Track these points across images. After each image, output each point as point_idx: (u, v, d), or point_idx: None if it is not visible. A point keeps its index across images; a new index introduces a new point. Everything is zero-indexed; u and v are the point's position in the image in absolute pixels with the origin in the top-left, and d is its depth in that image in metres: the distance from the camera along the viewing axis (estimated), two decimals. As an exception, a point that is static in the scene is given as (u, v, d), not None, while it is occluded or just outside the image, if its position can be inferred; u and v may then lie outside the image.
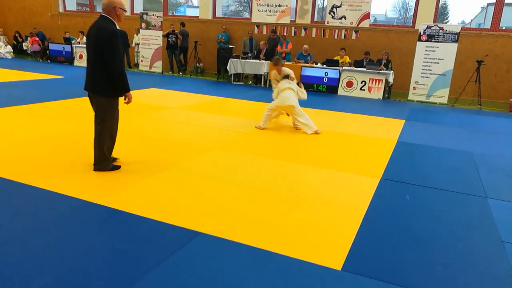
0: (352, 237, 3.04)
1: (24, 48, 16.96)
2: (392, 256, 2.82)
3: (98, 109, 3.93)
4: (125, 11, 3.91)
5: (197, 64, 13.91)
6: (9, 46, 16.47)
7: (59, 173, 3.93)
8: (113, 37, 3.69)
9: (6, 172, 3.84)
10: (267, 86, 12.10)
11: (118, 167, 4.13)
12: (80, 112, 6.78)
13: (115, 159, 4.26)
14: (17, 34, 17.63)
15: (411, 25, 12.44)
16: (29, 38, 16.37)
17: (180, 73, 13.72)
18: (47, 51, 15.35)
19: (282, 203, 3.60)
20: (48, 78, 10.87)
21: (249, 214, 3.32)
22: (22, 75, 11.00)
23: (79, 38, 15.03)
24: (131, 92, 3.99)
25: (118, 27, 3.83)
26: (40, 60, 15.49)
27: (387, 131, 6.87)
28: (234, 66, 12.17)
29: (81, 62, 14.69)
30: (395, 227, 3.27)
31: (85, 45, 14.49)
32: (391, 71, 10.92)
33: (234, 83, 12.42)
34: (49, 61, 15.21)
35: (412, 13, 13.39)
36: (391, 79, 10.83)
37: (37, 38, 15.87)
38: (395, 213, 3.56)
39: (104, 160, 4.02)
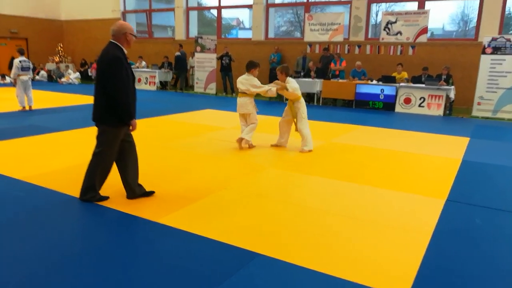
0: (417, 263, 2.82)
1: (89, 74, 18.22)
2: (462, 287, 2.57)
3: (99, 138, 3.71)
4: (135, 36, 3.77)
5: (250, 85, 14.10)
6: (77, 73, 17.77)
7: (116, 192, 4.07)
8: (116, 63, 3.48)
9: (71, 189, 4.04)
10: (320, 104, 11.97)
11: (105, 198, 3.78)
12: (146, 132, 7.06)
13: (149, 193, 3.95)
14: (83, 61, 19.03)
15: (473, 37, 11.84)
16: (92, 64, 17.60)
17: (233, 94, 13.99)
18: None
19: (343, 225, 3.45)
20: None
21: (308, 236, 3.21)
22: (88, 99, 11.76)
23: (137, 63, 15.87)
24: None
25: (126, 53, 3.66)
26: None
27: (451, 149, 6.46)
28: (287, 85, 12.17)
29: (139, 85, 15.48)
30: (465, 253, 3.00)
31: (143, 69, 15.39)
32: (452, 86, 10.38)
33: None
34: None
35: (474, 25, 12.75)
36: (452, 95, 10.28)
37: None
38: (464, 238, 3.27)
39: (90, 191, 3.73)
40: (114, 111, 3.55)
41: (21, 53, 9.38)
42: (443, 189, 4.45)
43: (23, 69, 9.22)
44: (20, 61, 9.17)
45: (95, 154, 3.73)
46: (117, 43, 3.63)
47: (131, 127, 3.74)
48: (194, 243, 3.03)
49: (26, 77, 9.26)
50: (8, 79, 16.62)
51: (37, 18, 18.87)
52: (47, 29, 19.36)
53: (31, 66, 9.60)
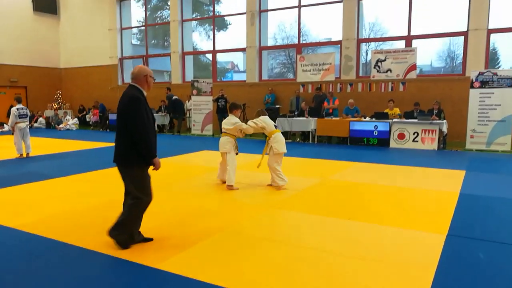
0: (423, 301, 2.77)
1: (87, 119, 18.43)
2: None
3: (128, 183, 3.66)
4: (154, 79, 3.83)
5: (246, 125, 14.29)
6: (75, 119, 17.97)
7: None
8: (136, 102, 3.52)
9: (72, 238, 4.00)
10: (315, 142, 12.08)
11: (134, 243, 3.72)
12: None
13: (147, 239, 3.87)
14: (81, 107, 19.29)
15: (461, 72, 12.18)
16: (91, 110, 17.88)
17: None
18: (107, 121, 16.53)
19: (345, 264, 3.41)
20: (108, 146, 11.59)
21: (307, 277, 3.16)
22: (85, 144, 11.83)
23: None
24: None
25: (145, 95, 3.71)
26: (101, 129, 16.67)
27: (447, 183, 6.49)
28: (282, 124, 12.36)
29: (137, 129, 15.60)
30: (471, 289, 2.96)
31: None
32: (444, 121, 10.57)
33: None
34: (108, 130, 16.33)
35: (460, 61, 13.18)
36: (445, 129, 10.44)
37: (97, 111, 17.29)
38: (468, 273, 3.24)
39: (130, 240, 3.71)
40: (138, 151, 3.55)
41: (19, 101, 9.54)
42: (443, 224, 4.43)
43: (21, 116, 9.34)
44: (17, 109, 9.30)
45: (132, 198, 3.63)
46: (137, 86, 3.69)
47: (154, 167, 3.69)
48: (193, 288, 2.98)
49: (24, 124, 9.37)
50: (6, 127, 16.77)
51: (37, 67, 19.32)
52: (46, 76, 19.77)
53: (29, 113, 9.74)
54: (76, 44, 19.72)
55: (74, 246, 3.78)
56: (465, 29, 11.90)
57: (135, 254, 3.57)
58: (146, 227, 4.11)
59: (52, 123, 18.06)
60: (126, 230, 3.69)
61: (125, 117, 3.53)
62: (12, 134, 9.52)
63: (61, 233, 4.13)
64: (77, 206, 5.14)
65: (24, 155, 9.46)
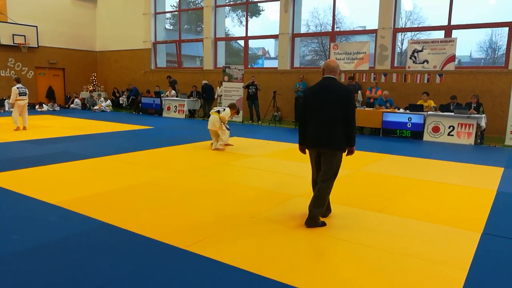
0: (456, 299, 2.73)
1: (121, 102, 18.88)
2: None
3: (333, 165, 4.03)
4: None
5: (275, 113, 14.27)
6: (109, 101, 18.45)
7: (150, 217, 4.15)
8: (353, 95, 4.08)
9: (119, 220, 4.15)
10: (346, 132, 11.91)
11: (324, 224, 4.08)
12: (175, 159, 7.23)
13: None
14: (115, 90, 19.76)
15: (503, 65, 11.65)
16: (123, 92, 18.38)
17: (259, 122, 14.15)
18: (140, 104, 16.88)
19: (376, 258, 3.38)
20: (141, 128, 11.87)
21: (339, 269, 3.16)
22: (118, 126, 12.16)
23: (167, 92, 16.34)
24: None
25: None
26: (134, 112, 17.06)
27: (484, 179, 6.28)
28: (312, 113, 12.23)
29: (168, 113, 15.88)
30: (507, 290, 2.88)
31: (173, 98, 15.81)
32: (483, 115, 10.17)
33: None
34: (141, 113, 16.67)
35: (503, 53, 12.58)
36: (483, 123, 10.06)
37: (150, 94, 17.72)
38: (503, 273, 3.14)
39: (318, 219, 4.03)
40: (347, 137, 4.00)
41: (18, 81, 10.84)
42: (478, 222, 4.31)
43: (21, 94, 10.53)
44: (17, 88, 10.49)
45: (326, 180, 4.05)
46: (336, 78, 4.11)
47: (352, 152, 4.16)
48: (225, 272, 3.04)
49: (23, 101, 10.59)
50: (45, 107, 17.44)
51: (74, 50, 19.88)
52: (83, 59, 20.33)
53: (27, 92, 10.90)
54: (111, 28, 20.12)
55: (110, 225, 3.92)
56: (511, 20, 11.32)
57: (166, 235, 3.67)
58: (183, 210, 4.20)
59: (88, 105, 18.60)
60: (325, 204, 4.13)
61: (348, 108, 3.94)
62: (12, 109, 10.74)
63: (97, 211, 4.29)
64: (114, 186, 5.31)
65: (21, 128, 10.55)
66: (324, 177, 4.05)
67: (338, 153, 4.03)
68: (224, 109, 8.65)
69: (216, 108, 8.87)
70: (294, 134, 11.25)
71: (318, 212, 4.03)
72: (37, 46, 18.04)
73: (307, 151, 4.26)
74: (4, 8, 17.07)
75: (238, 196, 5.06)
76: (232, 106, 8.79)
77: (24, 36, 17.47)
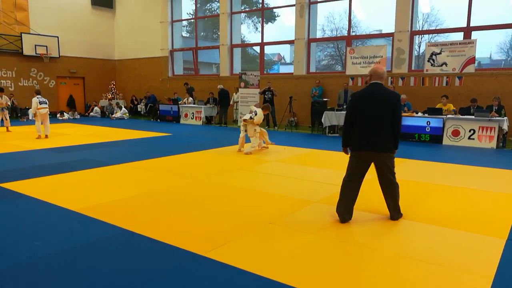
0: (480, 308, 2.65)
1: (139, 109, 19.16)
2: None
3: (391, 164, 4.28)
4: None
5: (292, 118, 14.24)
6: (124, 109, 18.72)
7: (167, 223, 4.18)
8: (400, 100, 4.25)
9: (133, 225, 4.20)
10: (364, 137, 11.79)
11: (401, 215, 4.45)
12: (193, 166, 7.28)
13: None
14: (133, 98, 20.08)
15: (525, 67, 11.37)
16: (142, 100, 18.63)
17: (276, 127, 14.14)
18: (158, 111, 17.10)
19: (397, 265, 3.32)
20: (159, 135, 12.01)
21: (359, 274, 3.12)
22: (135, 133, 12.33)
23: (185, 99, 16.50)
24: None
25: None
26: (152, 119, 17.28)
27: (507, 184, 6.12)
28: (329, 118, 12.19)
29: (186, 120, 16.03)
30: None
31: (190, 105, 15.96)
32: (505, 118, 9.93)
33: (329, 135, 12.38)
34: (159, 120, 16.88)
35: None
36: (505, 126, 9.82)
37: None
38: (531, 282, 3.05)
39: (399, 210, 4.42)
40: (394, 140, 4.21)
41: (38, 93, 11.28)
42: (503, 228, 4.19)
43: (41, 103, 10.95)
44: (37, 97, 10.99)
45: (394, 177, 4.32)
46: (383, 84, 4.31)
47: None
48: (244, 279, 3.03)
49: (44, 110, 10.94)
50: (66, 116, 17.84)
51: (93, 59, 20.32)
52: (102, 68, 20.75)
53: (47, 101, 11.33)
54: (129, 37, 20.50)
55: (130, 232, 3.96)
56: (532, 20, 11.06)
57: (184, 241, 3.69)
58: (199, 216, 4.21)
59: (107, 113, 18.94)
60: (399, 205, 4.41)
61: (396, 112, 4.15)
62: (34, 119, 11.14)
63: (117, 218, 4.34)
64: (133, 193, 5.38)
65: (43, 136, 10.83)
66: (390, 176, 4.26)
67: (390, 154, 4.23)
68: (256, 113, 8.60)
69: (246, 116, 8.76)
70: (311, 140, 11.23)
71: (397, 208, 4.40)
72: (58, 56, 18.51)
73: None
74: (26, 20, 17.60)
75: (256, 202, 5.06)
76: (264, 108, 8.94)
77: (46, 46, 17.95)
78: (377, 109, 4.12)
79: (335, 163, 7.65)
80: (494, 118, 9.82)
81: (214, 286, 2.91)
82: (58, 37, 18.39)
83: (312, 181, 6.23)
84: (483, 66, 18.89)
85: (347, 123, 4.35)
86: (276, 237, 3.90)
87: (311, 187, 5.84)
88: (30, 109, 16.14)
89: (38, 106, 10.83)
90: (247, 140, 8.97)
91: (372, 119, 4.13)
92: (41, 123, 10.99)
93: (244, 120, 8.73)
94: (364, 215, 4.59)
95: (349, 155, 4.42)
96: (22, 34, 17.26)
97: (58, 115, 17.64)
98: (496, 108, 10.17)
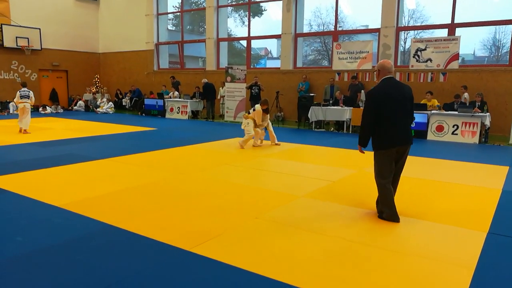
0: (462, 300, 2.70)
1: (124, 103, 18.91)
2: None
3: (405, 158, 4.33)
4: None
5: (278, 113, 14.25)
6: (110, 103, 18.46)
7: (150, 218, 4.15)
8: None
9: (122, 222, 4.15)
10: (350, 132, 11.89)
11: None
12: (178, 160, 7.23)
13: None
14: (118, 92, 19.81)
15: (507, 63, 11.58)
16: (127, 94, 18.37)
17: (262, 122, 14.12)
18: (143, 106, 16.91)
19: (381, 257, 3.36)
20: (145, 130, 11.88)
21: (340, 269, 3.15)
22: (120, 128, 12.17)
23: (171, 93, 16.35)
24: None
25: None
26: (139, 114, 17.08)
27: (489, 178, 6.24)
28: (316, 113, 12.23)
29: (171, 114, 15.89)
30: (514, 291, 2.86)
31: (176, 99, 15.82)
32: (487, 113, 10.11)
33: (316, 130, 12.43)
34: (144, 114, 16.70)
35: (507, 51, 12.52)
36: (487, 122, 10.00)
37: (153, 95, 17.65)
38: (509, 274, 3.12)
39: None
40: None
41: (23, 85, 10.93)
42: (483, 221, 4.28)
43: (22, 97, 10.58)
44: (19, 91, 10.67)
45: (401, 171, 4.44)
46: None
47: None
48: (229, 274, 3.03)
49: (22, 104, 10.52)
50: (49, 109, 17.50)
51: (77, 52, 19.93)
52: (86, 61, 20.38)
53: (30, 95, 10.83)
54: (114, 30, 20.16)
55: (114, 227, 3.92)
56: (514, 17, 11.26)
57: (168, 237, 3.67)
58: (180, 213, 4.19)
59: (91, 107, 18.66)
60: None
61: (412, 102, 4.29)
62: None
63: (100, 213, 4.29)
64: (118, 187, 5.31)
65: (22, 131, 10.52)
66: (399, 170, 4.36)
67: (407, 147, 4.29)
68: (255, 109, 8.85)
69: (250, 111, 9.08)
70: (297, 135, 11.26)
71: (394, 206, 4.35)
72: (40, 49, 18.11)
73: (364, 151, 4.48)
74: (7, 11, 17.14)
75: (242, 197, 5.05)
76: (263, 103, 8.89)
77: (28, 38, 17.53)
78: (402, 104, 4.19)
79: (322, 158, 7.69)
80: (476, 114, 9.99)
81: (199, 281, 2.90)
82: (40, 29, 17.97)
83: (298, 175, 6.25)
84: (466, 63, 19.18)
85: (370, 123, 4.19)
86: (262, 231, 3.90)
87: (297, 182, 5.86)
88: (11, 102, 15.86)
89: (19, 100, 10.56)
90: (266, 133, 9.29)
91: (400, 114, 4.18)
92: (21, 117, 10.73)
93: (245, 116, 8.99)
94: (350, 209, 4.62)
95: (363, 153, 4.50)
96: (3, 26, 16.80)
97: (40, 109, 17.28)
98: (479, 104, 10.34)
